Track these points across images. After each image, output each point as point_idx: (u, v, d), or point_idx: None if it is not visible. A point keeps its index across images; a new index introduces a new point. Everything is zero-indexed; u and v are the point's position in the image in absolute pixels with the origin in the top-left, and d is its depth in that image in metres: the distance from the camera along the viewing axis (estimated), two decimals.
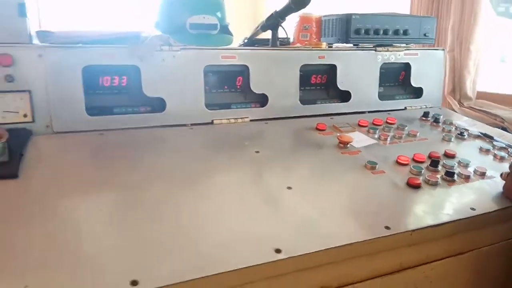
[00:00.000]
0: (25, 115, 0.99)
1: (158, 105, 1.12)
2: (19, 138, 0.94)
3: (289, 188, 0.88)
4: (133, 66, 1.07)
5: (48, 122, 1.01)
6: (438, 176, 0.99)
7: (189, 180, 0.89)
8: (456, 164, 1.06)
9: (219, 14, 1.21)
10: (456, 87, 1.81)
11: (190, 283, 0.60)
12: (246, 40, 1.42)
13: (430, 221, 0.82)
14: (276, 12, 1.26)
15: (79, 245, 0.66)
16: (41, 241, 0.65)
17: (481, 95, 1.83)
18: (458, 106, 1.79)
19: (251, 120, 1.23)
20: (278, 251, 0.68)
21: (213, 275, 0.62)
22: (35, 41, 1.01)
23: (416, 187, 0.94)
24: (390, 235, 0.77)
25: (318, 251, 0.70)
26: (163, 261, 0.64)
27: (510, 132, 1.54)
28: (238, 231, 0.73)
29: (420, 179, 0.96)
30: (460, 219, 0.84)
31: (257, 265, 0.65)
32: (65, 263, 0.61)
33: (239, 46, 1.43)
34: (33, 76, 0.98)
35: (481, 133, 1.29)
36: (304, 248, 0.69)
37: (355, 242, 0.73)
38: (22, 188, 0.79)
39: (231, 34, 1.25)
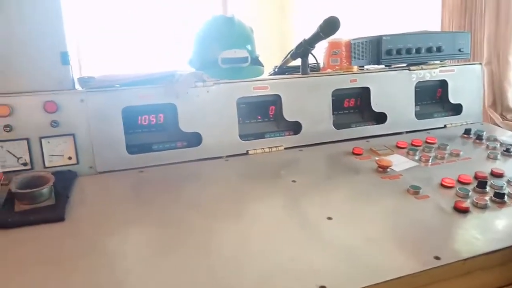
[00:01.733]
0: (69, 158, 1.04)
1: (194, 139, 1.15)
2: (64, 181, 0.98)
3: (329, 218, 0.86)
4: (169, 104, 1.11)
5: (91, 163, 1.05)
6: (487, 198, 0.94)
7: (229, 213, 0.89)
8: (505, 183, 1.00)
9: (249, 47, 1.23)
10: (497, 100, 1.74)
11: None
12: (276, 69, 1.44)
13: (482, 248, 0.78)
14: (305, 40, 1.27)
15: (132, 281, 0.67)
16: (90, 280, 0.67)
17: None
18: (501, 119, 1.71)
19: (285, 148, 1.24)
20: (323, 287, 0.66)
21: None
22: (77, 86, 1.07)
23: (464, 211, 0.90)
24: (441, 266, 0.73)
25: (366, 287, 0.67)
26: None
27: None
28: (280, 266, 0.72)
29: (468, 202, 0.92)
30: None
31: None
32: None
33: (269, 74, 1.45)
34: (76, 120, 1.03)
35: None
36: (350, 283, 0.67)
37: (404, 276, 0.69)
38: (69, 231, 0.82)
39: (262, 65, 1.27)
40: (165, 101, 1.11)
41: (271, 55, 1.58)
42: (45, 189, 0.89)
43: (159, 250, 0.77)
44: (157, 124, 1.15)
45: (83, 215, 0.88)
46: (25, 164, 1.01)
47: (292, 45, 1.35)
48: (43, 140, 1.01)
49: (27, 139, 1.00)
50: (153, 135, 1.14)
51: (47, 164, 1.02)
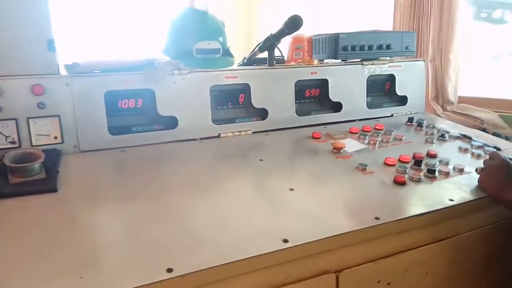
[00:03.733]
0: (55, 137, 1.13)
1: (171, 122, 1.26)
2: (52, 158, 1.07)
3: (291, 189, 1.01)
4: (148, 89, 1.21)
5: (75, 143, 1.14)
6: (421, 173, 1.12)
7: (204, 187, 1.02)
8: (437, 162, 1.19)
9: (221, 39, 1.35)
10: (438, 93, 1.97)
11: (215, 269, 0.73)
12: (245, 60, 1.57)
13: (414, 211, 0.95)
14: (272, 35, 1.41)
15: (120, 242, 0.78)
16: (87, 240, 0.78)
17: (462, 100, 1.98)
18: (442, 110, 1.94)
19: (253, 132, 1.37)
20: (285, 241, 0.81)
21: (235, 261, 0.74)
22: (62, 71, 1.15)
23: (402, 183, 1.07)
24: (380, 224, 0.89)
25: (319, 239, 0.83)
26: (193, 252, 0.76)
27: (489, 133, 1.69)
28: (251, 227, 0.86)
29: (405, 177, 1.09)
30: (440, 209, 0.97)
31: (269, 252, 0.78)
32: (112, 256, 0.74)
33: (238, 65, 1.57)
34: (61, 103, 1.12)
35: (461, 134, 1.43)
36: (307, 237, 0.82)
37: (350, 231, 0.86)
38: (62, 200, 0.92)
39: (232, 56, 1.39)
40: (144, 86, 1.21)
41: (238, 46, 1.70)
42: (36, 164, 0.98)
43: (142, 217, 0.87)
44: (136, 108, 1.25)
45: (72, 187, 0.97)
46: (13, 142, 1.08)
47: (257, 37, 1.49)
48: (30, 121, 1.09)
49: (15, 119, 1.07)
50: (133, 117, 1.24)
51: (34, 143, 1.10)
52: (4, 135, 1.07)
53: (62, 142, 1.13)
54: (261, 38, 1.47)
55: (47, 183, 0.96)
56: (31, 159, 0.99)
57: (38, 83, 1.08)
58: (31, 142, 1.10)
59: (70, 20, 2.85)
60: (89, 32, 3.01)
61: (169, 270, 0.71)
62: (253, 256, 0.76)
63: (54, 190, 0.94)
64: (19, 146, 1.09)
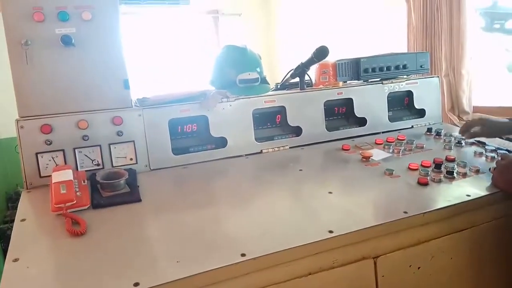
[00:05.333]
0: (131, 159, 1.36)
1: (221, 142, 1.48)
2: (130, 175, 1.30)
3: (330, 192, 1.21)
4: (202, 116, 1.45)
5: (146, 162, 1.38)
6: (441, 175, 1.30)
7: (256, 194, 1.23)
8: (455, 165, 1.36)
9: (258, 69, 1.59)
10: (454, 105, 2.14)
11: (278, 254, 0.93)
12: (278, 86, 1.80)
13: (436, 205, 1.13)
14: (302, 63, 1.63)
15: (201, 235, 0.99)
16: (174, 235, 1.00)
17: (477, 109, 2.15)
18: (458, 120, 2.11)
19: (290, 147, 1.59)
20: (331, 231, 1.00)
21: (291, 247, 0.94)
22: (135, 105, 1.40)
23: (425, 184, 1.24)
24: (408, 217, 1.08)
25: (358, 230, 1.01)
26: (259, 241, 0.96)
27: (502, 138, 1.84)
28: (302, 222, 1.05)
29: (428, 179, 1.27)
30: (459, 203, 1.14)
31: (319, 240, 0.97)
32: (195, 244, 0.95)
33: (272, 90, 1.80)
34: (135, 130, 1.36)
35: (476, 141, 1.60)
36: (350, 227, 1.02)
37: (384, 223, 1.04)
38: (147, 208, 1.14)
39: (269, 84, 1.62)
40: (199, 113, 1.45)
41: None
42: (122, 180, 1.21)
43: (209, 219, 1.09)
44: (193, 131, 1.48)
45: (151, 198, 1.20)
46: (97, 164, 1.32)
47: (277, 62, 1.71)
48: (111, 146, 1.33)
49: (99, 146, 1.32)
50: (190, 140, 1.48)
51: (114, 164, 1.34)
52: (90, 158, 1.32)
53: (136, 163, 1.36)
54: (279, 62, 1.69)
55: (132, 195, 1.18)
56: (117, 176, 1.22)
57: (117, 115, 1.33)
58: (112, 163, 1.33)
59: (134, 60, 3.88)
60: (145, 70, 4.03)
61: (243, 255, 0.91)
62: (307, 244, 0.96)
63: (139, 200, 1.17)
64: (103, 167, 1.32)
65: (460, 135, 1.51)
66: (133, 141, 1.35)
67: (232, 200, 1.18)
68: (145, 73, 4.01)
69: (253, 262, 0.91)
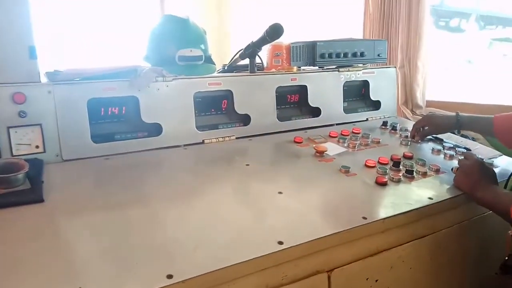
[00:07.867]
0: (37, 146, 1.10)
1: (155, 129, 1.26)
2: (34, 168, 1.04)
3: (280, 192, 1.04)
4: (132, 96, 1.20)
5: (57, 152, 1.12)
6: (400, 174, 1.18)
7: (193, 193, 1.03)
8: (414, 163, 1.26)
9: (202, 46, 1.37)
10: (408, 98, 2.07)
11: (216, 273, 0.74)
12: (226, 67, 1.59)
13: (397, 210, 1.00)
14: (252, 42, 1.44)
15: (118, 247, 0.78)
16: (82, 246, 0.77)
17: (430, 104, 2.09)
18: (411, 114, 2.04)
19: (236, 138, 1.39)
20: (280, 242, 0.83)
21: (233, 265, 0.76)
22: (44, 79, 1.13)
23: (383, 184, 1.12)
24: (367, 223, 0.93)
25: (313, 240, 0.85)
26: (191, 257, 0.77)
27: (456, 134, 1.78)
28: (247, 230, 0.87)
29: (386, 178, 1.15)
30: (420, 207, 1.03)
31: (267, 254, 0.80)
32: (107, 263, 0.73)
33: (218, 72, 1.59)
34: (43, 111, 1.09)
35: (433, 137, 1.51)
36: (301, 239, 0.85)
37: (342, 230, 0.89)
38: (50, 210, 0.90)
39: (214, 63, 1.41)
40: (128, 94, 1.20)
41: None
42: (20, 175, 0.95)
43: (131, 224, 0.87)
44: (120, 115, 1.24)
45: (58, 197, 0.95)
46: None
47: (229, 43, 1.51)
48: (10, 130, 1.06)
49: None
50: (116, 125, 1.23)
51: (14, 153, 1.07)
52: None
53: (44, 152, 1.10)
54: (231, 44, 1.49)
55: (33, 194, 0.93)
56: (14, 169, 0.96)
57: (19, 91, 1.05)
58: (11, 152, 1.06)
59: (50, 27, 2.84)
60: (68, 40, 3.02)
61: (169, 277, 0.71)
62: (253, 259, 0.78)
63: (41, 200, 0.92)
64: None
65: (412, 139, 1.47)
66: (40, 125, 1.09)
67: (164, 202, 0.97)
68: (64, 42, 2.99)
69: (182, 286, 0.71)
